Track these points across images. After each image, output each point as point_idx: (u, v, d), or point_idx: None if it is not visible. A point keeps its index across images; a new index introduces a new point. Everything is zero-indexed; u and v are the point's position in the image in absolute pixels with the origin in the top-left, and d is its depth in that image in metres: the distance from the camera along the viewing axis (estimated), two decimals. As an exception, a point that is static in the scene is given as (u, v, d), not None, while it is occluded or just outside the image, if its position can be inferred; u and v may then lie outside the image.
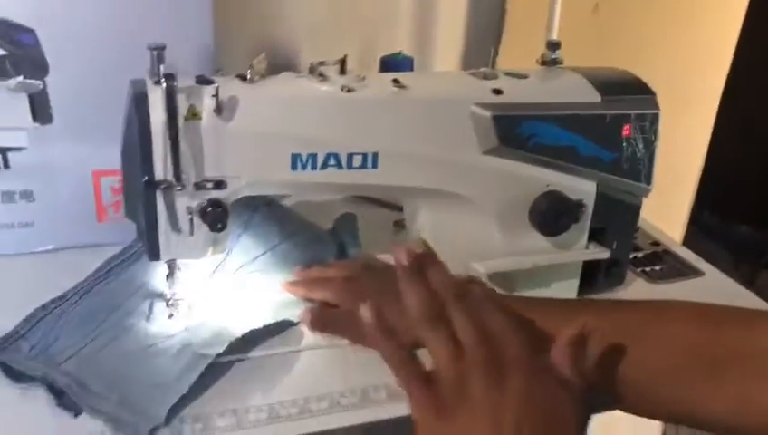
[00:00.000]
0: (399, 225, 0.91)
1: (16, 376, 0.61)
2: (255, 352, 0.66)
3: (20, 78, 0.72)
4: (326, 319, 0.68)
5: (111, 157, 0.76)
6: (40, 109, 0.74)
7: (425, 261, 0.52)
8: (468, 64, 1.19)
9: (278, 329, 0.68)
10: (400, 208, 0.95)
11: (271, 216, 0.79)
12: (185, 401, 0.58)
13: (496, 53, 1.17)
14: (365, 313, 0.49)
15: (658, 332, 0.55)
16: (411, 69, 0.98)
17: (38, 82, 0.73)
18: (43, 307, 0.68)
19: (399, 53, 0.99)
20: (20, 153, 0.75)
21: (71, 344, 0.64)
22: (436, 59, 1.18)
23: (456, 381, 0.46)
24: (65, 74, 0.73)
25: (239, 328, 0.65)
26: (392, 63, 0.97)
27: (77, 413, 0.57)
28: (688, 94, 1.38)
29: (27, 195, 0.77)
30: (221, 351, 0.62)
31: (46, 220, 0.79)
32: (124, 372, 0.61)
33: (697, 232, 1.58)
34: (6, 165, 0.75)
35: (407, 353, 0.48)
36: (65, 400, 0.58)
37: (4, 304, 0.70)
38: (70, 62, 0.73)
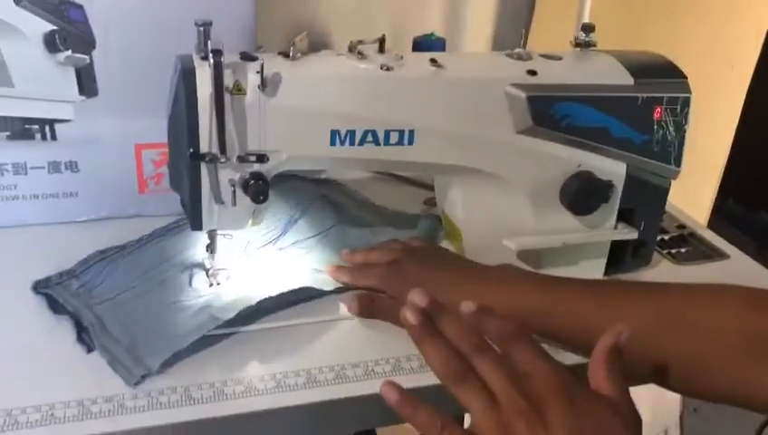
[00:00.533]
0: (429, 202, 0.93)
1: (56, 308, 0.67)
2: (292, 321, 0.68)
3: (68, 52, 0.74)
4: (372, 306, 0.69)
5: (153, 130, 0.79)
6: (86, 82, 0.76)
7: (434, 312, 0.49)
8: (499, 46, 1.20)
9: (296, 297, 0.70)
10: (430, 187, 0.97)
11: (328, 205, 0.82)
12: (184, 355, 0.61)
13: (527, 35, 1.18)
14: (388, 394, 0.47)
15: (709, 314, 0.56)
16: (443, 50, 1.00)
17: (85, 56, 0.75)
18: (102, 252, 0.74)
19: (431, 35, 1.00)
20: (66, 125, 0.78)
21: (110, 290, 0.69)
22: (467, 40, 1.19)
23: (497, 430, 0.44)
24: (111, 50, 0.76)
25: (258, 297, 0.67)
26: (425, 44, 0.99)
27: (90, 350, 0.62)
28: (717, 81, 1.38)
29: (72, 166, 0.80)
30: (231, 317, 0.64)
31: (90, 191, 0.82)
32: (142, 321, 0.65)
33: (721, 220, 1.58)
34: (54, 136, 0.78)
35: (440, 418, 0.45)
36: (85, 336, 0.63)
37: (48, 272, 0.73)
38: (115, 38, 0.75)
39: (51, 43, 0.73)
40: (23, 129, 0.77)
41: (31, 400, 0.56)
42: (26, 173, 0.79)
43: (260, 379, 0.60)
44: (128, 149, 0.81)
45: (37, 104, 0.76)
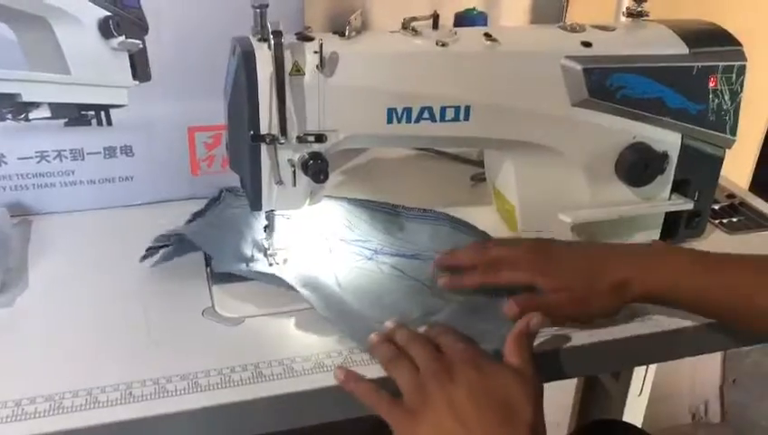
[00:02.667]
0: (476, 179, 0.93)
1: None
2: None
3: (122, 38, 0.75)
4: (534, 304, 0.63)
5: (206, 113, 0.80)
6: (140, 67, 0.77)
7: (393, 331, 0.62)
8: (537, 19, 1.19)
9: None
10: (476, 163, 0.97)
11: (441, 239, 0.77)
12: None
13: (567, 6, 1.16)
14: (339, 376, 0.58)
15: None
16: (485, 24, 0.99)
17: (138, 41, 0.76)
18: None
19: (473, 9, 1.00)
20: (121, 110, 0.79)
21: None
22: (505, 14, 1.18)
23: (416, 390, 0.54)
24: (164, 34, 0.76)
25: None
26: (467, 19, 0.98)
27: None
28: (760, 51, 1.35)
29: (127, 150, 0.81)
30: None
31: (145, 174, 0.83)
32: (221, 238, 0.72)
33: (761, 188, 1.56)
34: (109, 122, 0.79)
35: (375, 387, 0.57)
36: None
37: (108, 256, 0.75)
38: (168, 22, 0.76)
39: (105, 29, 0.74)
40: (79, 115, 0.78)
41: (108, 379, 0.58)
42: (83, 159, 0.80)
43: (327, 355, 0.62)
44: (181, 133, 0.82)
45: (93, 90, 0.77)
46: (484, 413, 0.52)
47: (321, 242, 0.76)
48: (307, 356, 0.61)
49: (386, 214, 0.79)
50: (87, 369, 0.59)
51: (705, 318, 0.67)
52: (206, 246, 0.71)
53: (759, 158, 1.54)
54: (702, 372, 1.73)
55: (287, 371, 0.60)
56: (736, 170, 1.52)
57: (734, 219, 0.87)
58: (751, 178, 1.55)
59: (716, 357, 1.71)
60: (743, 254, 0.67)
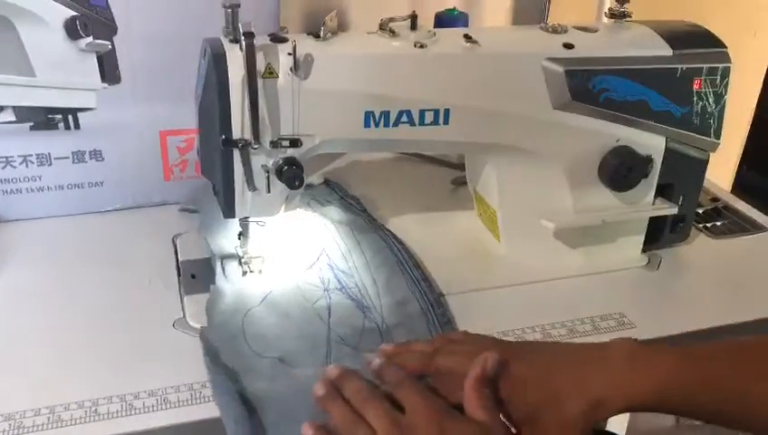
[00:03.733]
0: (457, 182, 0.91)
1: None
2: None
3: (90, 39, 0.73)
4: None
5: (178, 116, 0.78)
6: (109, 69, 0.75)
7: (341, 379, 0.56)
8: (519, 20, 1.17)
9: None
10: (456, 166, 0.95)
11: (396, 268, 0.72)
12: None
13: (548, 7, 1.15)
14: (307, 432, 0.52)
15: None
16: (466, 25, 0.97)
17: (107, 42, 0.73)
18: None
19: (453, 9, 0.98)
20: (90, 114, 0.76)
21: None
22: (487, 14, 1.16)
23: None
24: (133, 35, 0.74)
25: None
26: (447, 19, 0.97)
27: None
28: (739, 48, 1.35)
29: (97, 154, 0.78)
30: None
31: (115, 180, 0.80)
32: None
33: (742, 192, 1.56)
34: (77, 126, 0.76)
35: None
36: None
37: (78, 264, 0.73)
38: (137, 23, 0.73)
39: (72, 30, 0.72)
40: (46, 119, 0.75)
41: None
42: (51, 164, 0.77)
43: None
44: (152, 137, 0.79)
45: (59, 93, 0.74)
46: None
47: (303, 257, 0.73)
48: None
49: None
50: (49, 385, 0.56)
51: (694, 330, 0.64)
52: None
53: (741, 160, 1.54)
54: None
55: (261, 385, 0.57)
56: (719, 173, 1.52)
57: (718, 223, 0.86)
58: (733, 181, 1.55)
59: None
60: (730, 341, 0.57)
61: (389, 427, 0.50)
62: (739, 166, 1.57)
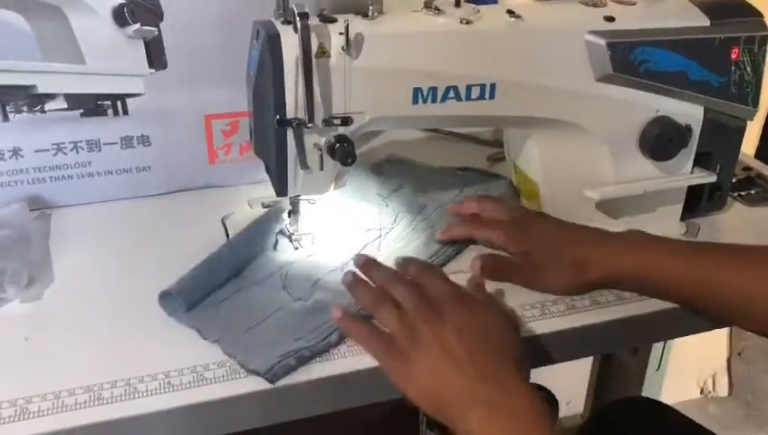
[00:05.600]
0: (492, 159, 0.93)
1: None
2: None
3: (137, 25, 0.74)
4: (499, 266, 0.68)
5: (222, 100, 0.80)
6: (155, 55, 0.76)
7: (369, 266, 0.65)
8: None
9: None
10: (490, 143, 0.97)
11: (411, 182, 0.81)
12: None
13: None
14: (335, 314, 0.59)
15: None
16: (495, 1, 0.99)
17: (154, 29, 0.75)
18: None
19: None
20: (137, 100, 0.78)
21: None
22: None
23: (406, 332, 0.55)
24: (179, 21, 0.75)
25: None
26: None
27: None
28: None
29: (144, 140, 0.80)
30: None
31: (162, 164, 0.82)
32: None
33: (765, 162, 1.56)
34: (126, 111, 0.78)
35: (370, 329, 0.58)
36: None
37: (132, 246, 0.75)
38: (183, 8, 0.75)
39: (120, 17, 0.73)
40: (95, 105, 0.77)
41: (148, 369, 0.58)
42: (100, 150, 0.79)
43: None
44: (198, 121, 0.81)
45: (108, 80, 0.76)
46: (474, 351, 0.53)
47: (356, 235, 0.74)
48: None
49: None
50: (126, 361, 0.59)
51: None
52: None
53: (764, 129, 1.54)
54: (709, 346, 1.74)
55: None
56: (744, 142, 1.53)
57: (752, 192, 0.87)
58: (756, 148, 1.55)
59: (723, 330, 1.73)
60: (716, 243, 0.68)
61: (417, 301, 0.57)
62: (761, 135, 1.57)
